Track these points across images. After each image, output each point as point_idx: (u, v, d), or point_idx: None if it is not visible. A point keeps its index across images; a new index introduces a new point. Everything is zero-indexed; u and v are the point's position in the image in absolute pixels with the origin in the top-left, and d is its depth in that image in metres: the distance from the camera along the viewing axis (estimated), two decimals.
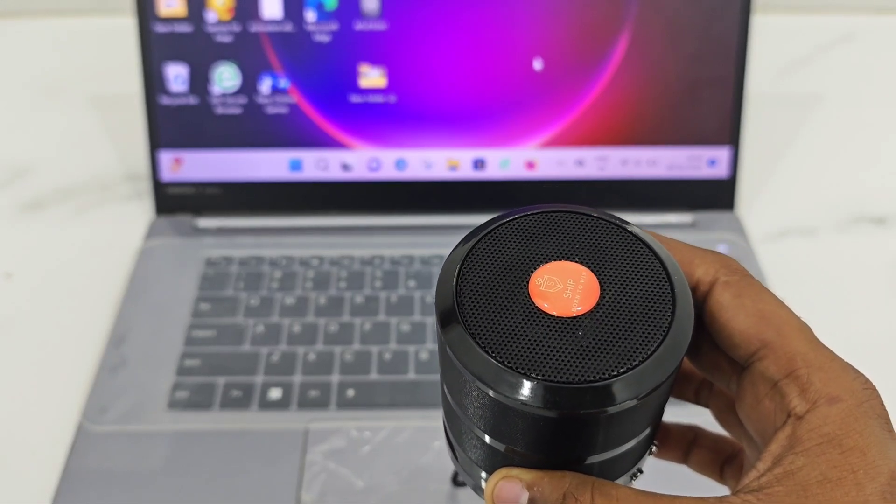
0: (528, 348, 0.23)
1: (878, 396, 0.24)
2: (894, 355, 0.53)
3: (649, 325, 0.24)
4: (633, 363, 0.23)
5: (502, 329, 0.23)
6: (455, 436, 0.28)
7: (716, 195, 0.62)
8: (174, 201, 0.62)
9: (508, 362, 0.23)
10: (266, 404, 0.50)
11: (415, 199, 0.62)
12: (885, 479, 0.23)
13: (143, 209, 0.64)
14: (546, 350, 0.23)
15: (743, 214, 0.63)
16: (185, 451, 0.47)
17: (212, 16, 0.58)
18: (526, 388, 0.22)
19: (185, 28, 0.58)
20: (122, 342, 0.53)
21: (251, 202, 0.62)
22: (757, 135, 0.67)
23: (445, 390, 0.27)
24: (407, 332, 0.53)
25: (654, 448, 0.28)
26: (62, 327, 0.56)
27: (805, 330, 0.26)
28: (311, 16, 0.58)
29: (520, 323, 0.24)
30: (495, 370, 0.23)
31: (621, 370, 0.23)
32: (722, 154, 0.61)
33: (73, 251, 0.61)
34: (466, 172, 0.61)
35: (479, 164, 0.61)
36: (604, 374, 0.22)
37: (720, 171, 0.61)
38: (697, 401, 0.32)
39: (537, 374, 0.22)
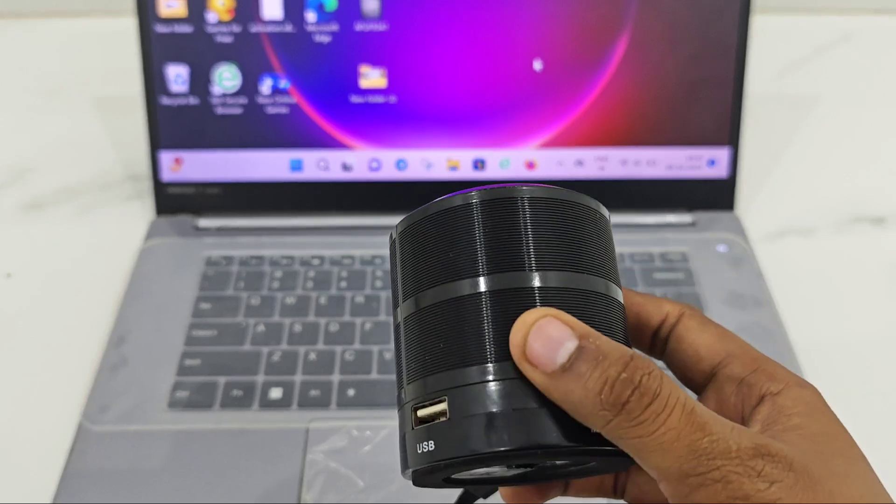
0: None
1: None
2: (893, 355, 0.54)
3: None
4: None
5: None
6: (409, 352, 0.27)
7: (715, 195, 0.62)
8: (175, 201, 0.62)
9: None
10: (267, 404, 0.50)
11: (415, 199, 0.61)
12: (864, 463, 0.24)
13: (143, 209, 0.64)
14: None
15: (742, 214, 0.63)
16: (185, 451, 0.47)
17: (212, 16, 0.58)
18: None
19: (185, 29, 0.58)
20: (122, 342, 0.53)
21: (251, 202, 0.62)
22: (756, 135, 0.67)
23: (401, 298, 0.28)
24: None
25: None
26: (62, 327, 0.56)
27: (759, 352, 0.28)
28: (311, 16, 0.58)
29: None
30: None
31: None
32: (721, 154, 0.61)
33: (73, 251, 0.61)
34: (467, 172, 0.61)
35: (479, 164, 0.61)
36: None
37: (719, 171, 0.61)
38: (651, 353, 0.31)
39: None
